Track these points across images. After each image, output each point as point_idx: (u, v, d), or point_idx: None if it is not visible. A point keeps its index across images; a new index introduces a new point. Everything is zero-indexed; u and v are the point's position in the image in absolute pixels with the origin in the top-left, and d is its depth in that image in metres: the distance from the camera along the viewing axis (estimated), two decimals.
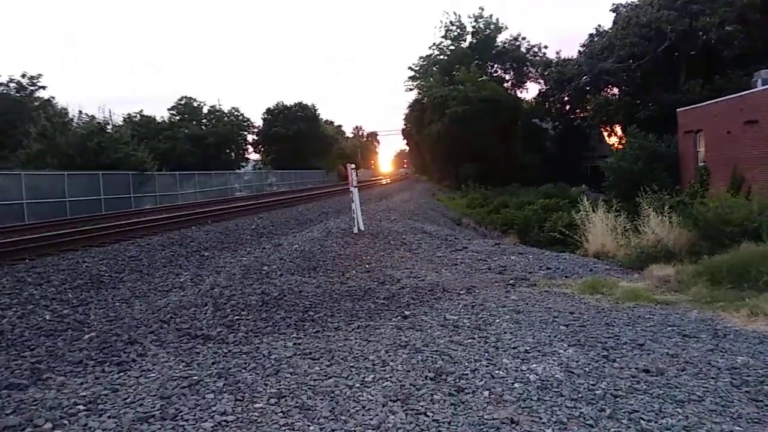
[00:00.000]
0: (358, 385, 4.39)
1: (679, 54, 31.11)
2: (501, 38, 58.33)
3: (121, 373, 4.75)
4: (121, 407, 3.95)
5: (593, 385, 4.31)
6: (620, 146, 32.52)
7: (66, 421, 3.73)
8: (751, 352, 5.05)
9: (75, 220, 20.21)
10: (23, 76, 45.93)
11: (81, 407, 3.96)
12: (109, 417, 3.78)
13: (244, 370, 4.75)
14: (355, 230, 14.91)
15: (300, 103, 70.83)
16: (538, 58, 54.47)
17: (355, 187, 15.67)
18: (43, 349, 5.60)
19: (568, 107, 43.62)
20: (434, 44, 60.85)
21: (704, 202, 13.03)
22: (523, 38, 58.18)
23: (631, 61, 31.78)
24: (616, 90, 37.45)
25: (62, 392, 4.31)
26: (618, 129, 37.45)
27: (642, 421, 3.67)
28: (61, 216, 23.20)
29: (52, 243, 12.28)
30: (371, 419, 3.73)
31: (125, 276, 9.67)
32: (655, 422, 3.67)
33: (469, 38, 58.88)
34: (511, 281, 8.97)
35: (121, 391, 4.28)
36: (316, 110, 72.86)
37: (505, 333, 5.80)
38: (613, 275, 9.77)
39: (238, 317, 6.78)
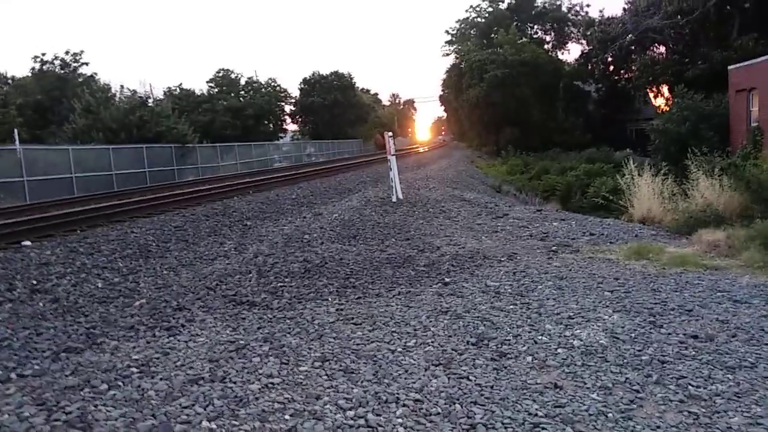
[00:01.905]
0: (400, 349, 4.44)
1: (731, 7, 29.40)
2: None
3: (171, 338, 4.92)
4: (172, 370, 4.10)
5: (639, 350, 4.24)
6: (667, 108, 31.25)
7: (120, 383, 3.89)
8: None
9: (121, 193, 20.81)
10: (66, 53, 46.96)
11: (134, 369, 4.13)
12: (161, 379, 3.92)
13: (288, 335, 4.85)
14: (394, 199, 14.89)
15: (336, 72, 70.45)
16: (579, 17, 52.42)
17: (393, 155, 15.60)
18: (96, 315, 5.83)
19: (611, 68, 41.94)
20: (471, 6, 59.52)
21: (757, 163, 12.46)
22: None
23: (679, 17, 30.20)
24: (662, 49, 35.78)
25: (116, 355, 4.49)
26: (665, 90, 35.94)
27: (690, 387, 3.61)
28: (108, 189, 23.92)
29: (101, 214, 12.68)
30: (414, 383, 3.77)
31: (172, 245, 9.93)
32: (704, 388, 3.59)
33: None
34: (553, 248, 8.84)
35: (172, 355, 4.44)
36: (352, 79, 72.43)
37: (548, 299, 5.74)
38: (660, 241, 9.51)
39: (281, 284, 6.91)
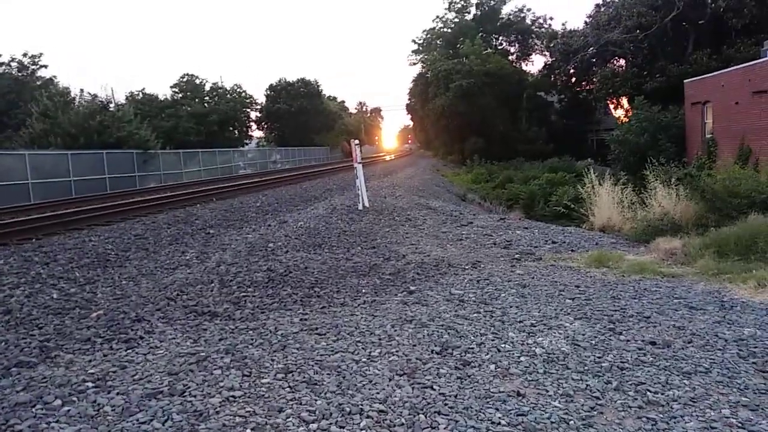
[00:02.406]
0: (364, 359, 4.41)
1: (687, 24, 30.51)
2: (506, 10, 57.67)
3: (129, 350, 4.78)
4: (130, 384, 3.98)
5: (599, 357, 4.32)
6: (626, 119, 32.17)
7: (75, 398, 3.75)
8: (758, 324, 5.05)
9: (80, 200, 20.24)
10: (24, 55, 45.72)
11: (90, 384, 3.99)
12: (117, 393, 3.80)
13: (251, 346, 4.76)
14: (360, 207, 14.88)
15: (302, 79, 70.26)
16: (543, 29, 53.65)
17: (359, 163, 15.60)
18: (51, 328, 5.63)
19: (573, 80, 42.99)
20: (438, 17, 60.26)
21: (711, 174, 12.91)
22: (528, 9, 57.72)
23: (638, 31, 31.17)
24: (622, 61, 36.85)
25: (71, 369, 4.34)
26: (624, 101, 36.98)
27: (648, 393, 3.68)
28: (66, 195, 23.24)
29: (58, 222, 12.30)
30: (378, 393, 3.75)
31: (131, 254, 9.69)
32: (662, 394, 3.67)
33: (473, 10, 58.16)
34: (516, 256, 8.97)
35: (129, 368, 4.31)
36: (318, 86, 72.35)
37: (511, 307, 5.80)
38: (619, 249, 9.74)
39: (244, 294, 6.80)
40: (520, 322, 5.26)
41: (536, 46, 55.25)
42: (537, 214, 22.39)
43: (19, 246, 9.98)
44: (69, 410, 3.57)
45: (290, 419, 3.40)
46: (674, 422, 3.30)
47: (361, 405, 3.57)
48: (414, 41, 63.09)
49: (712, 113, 21.93)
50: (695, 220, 11.22)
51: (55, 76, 47.67)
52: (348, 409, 3.51)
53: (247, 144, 66.82)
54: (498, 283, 6.94)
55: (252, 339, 4.98)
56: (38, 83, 44.70)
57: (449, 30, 58.19)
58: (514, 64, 54.00)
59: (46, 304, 6.61)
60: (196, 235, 11.52)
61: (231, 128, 63.45)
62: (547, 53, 46.56)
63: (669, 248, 8.62)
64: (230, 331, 5.28)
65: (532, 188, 26.97)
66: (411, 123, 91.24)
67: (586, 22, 38.44)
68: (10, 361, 4.60)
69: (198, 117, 56.33)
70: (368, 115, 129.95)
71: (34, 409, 3.59)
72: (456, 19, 58.34)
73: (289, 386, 3.90)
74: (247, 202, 17.04)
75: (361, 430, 3.28)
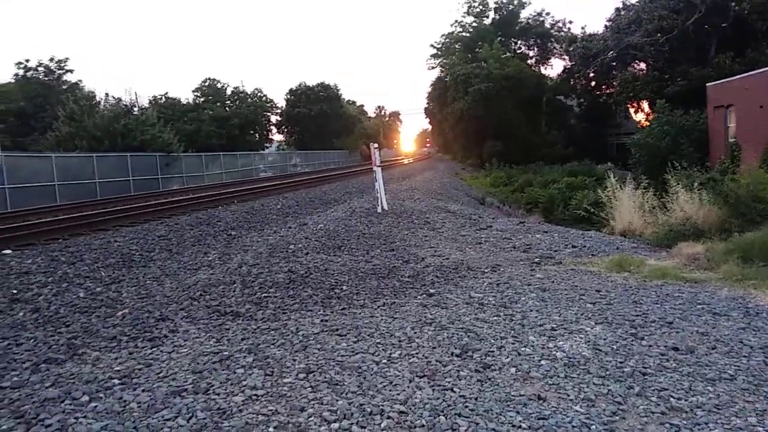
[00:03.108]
0: (384, 361, 4.44)
1: (710, 26, 30.06)
2: (524, 14, 57.32)
3: (154, 349, 4.87)
4: (155, 381, 4.06)
5: (621, 362, 4.29)
6: (647, 123, 31.82)
7: (102, 394, 3.85)
8: None
9: (105, 201, 20.61)
10: (51, 60, 46.64)
11: (116, 381, 4.08)
12: (143, 390, 3.88)
13: (272, 346, 4.83)
14: (379, 209, 14.93)
15: (322, 84, 70.66)
16: (562, 33, 53.38)
17: (378, 166, 15.66)
18: (78, 326, 5.76)
19: (593, 84, 42.63)
20: (456, 21, 60.14)
21: (735, 178, 12.71)
22: (547, 13, 57.51)
23: (659, 35, 30.81)
24: (643, 65, 36.45)
25: (98, 367, 4.44)
26: (645, 105, 36.58)
27: (671, 399, 3.65)
28: (91, 197, 23.67)
29: (84, 223, 12.55)
30: (398, 394, 3.78)
31: (155, 255, 9.85)
32: (685, 400, 3.64)
33: (491, 14, 57.96)
34: (536, 259, 8.92)
35: (155, 366, 4.40)
36: (338, 90, 72.68)
37: (531, 311, 5.78)
38: (641, 253, 9.63)
39: (266, 294, 6.88)
40: (540, 325, 5.24)
41: (555, 50, 54.98)
42: (556, 218, 22.25)
43: (46, 246, 10.20)
44: (96, 406, 3.66)
45: (312, 418, 3.44)
46: (698, 429, 3.27)
47: (382, 406, 3.60)
48: (433, 45, 63.17)
49: (735, 117, 21.58)
50: (718, 225, 11.06)
51: (80, 81, 48.60)
52: (369, 410, 3.55)
53: (267, 147, 67.40)
54: (518, 286, 6.92)
55: (274, 339, 5.05)
56: (64, 87, 45.62)
57: (468, 34, 58.11)
58: (533, 68, 53.72)
59: (73, 303, 6.76)
60: (218, 237, 11.66)
61: (252, 132, 64.05)
62: (566, 57, 46.36)
63: (692, 253, 8.51)
64: (252, 331, 5.35)
65: (551, 192, 26.80)
66: (429, 127, 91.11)
67: (606, 26, 38.13)
68: (39, 357, 4.73)
69: (219, 121, 56.99)
70: (387, 118, 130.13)
71: (62, 405, 3.69)
72: (474, 24, 58.26)
73: (311, 386, 3.94)
74: (268, 204, 17.19)
75: (382, 430, 3.31)
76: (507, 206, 28.83)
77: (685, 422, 3.35)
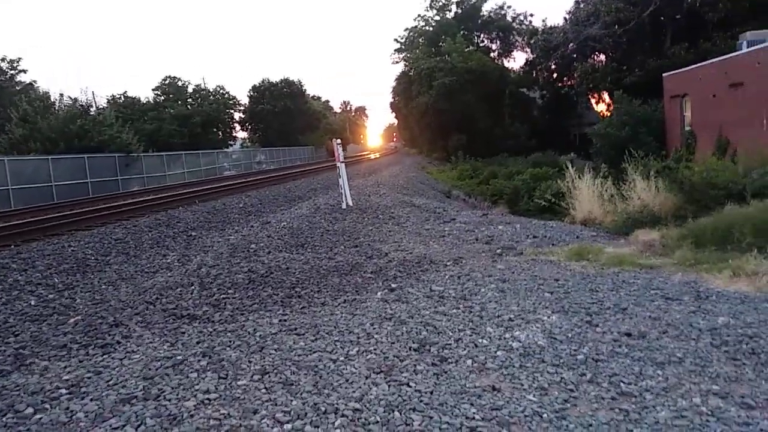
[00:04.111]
0: (342, 358, 4.40)
1: (665, 18, 30.77)
2: (486, 7, 57.67)
3: (105, 356, 4.74)
4: (104, 389, 3.94)
5: (575, 350, 4.35)
6: (608, 113, 32.46)
7: (48, 405, 3.72)
8: (732, 313, 5.11)
9: (61, 205, 19.98)
10: (2, 59, 44.94)
11: (63, 391, 3.95)
12: (91, 399, 3.77)
13: (228, 348, 4.74)
14: (344, 206, 14.87)
15: (286, 80, 69.92)
16: (524, 26, 53.91)
17: (342, 162, 15.58)
18: (27, 335, 5.57)
19: (555, 75, 43.18)
20: (419, 15, 60.16)
21: (689, 166, 13.06)
22: (509, 7, 57.78)
23: (616, 27, 31.39)
24: (602, 57, 37.14)
25: (45, 377, 4.30)
26: (605, 96, 37.29)
27: (622, 384, 3.72)
28: (47, 201, 22.95)
29: (38, 228, 12.14)
30: (354, 392, 3.75)
31: (112, 259, 9.61)
32: (635, 384, 3.71)
33: (454, 8, 58.13)
34: (498, 251, 8.99)
35: (105, 374, 4.27)
36: (302, 86, 72.06)
37: (490, 302, 5.82)
38: (600, 241, 9.81)
39: (224, 296, 6.77)
40: (498, 317, 5.28)
41: (517, 43, 55.47)
42: (521, 209, 22.48)
43: None
44: (41, 418, 3.54)
45: (265, 420, 3.39)
46: (646, 412, 3.33)
47: (337, 404, 3.56)
48: (396, 40, 63.08)
49: (690, 106, 22.17)
50: (674, 212, 11.34)
51: (34, 81, 46.91)
52: (323, 409, 3.51)
53: (231, 145, 66.34)
54: (478, 278, 6.96)
55: (230, 341, 4.96)
56: (17, 88, 44.04)
57: (431, 28, 58.21)
58: (495, 61, 54.12)
59: (23, 311, 6.55)
60: (178, 238, 11.44)
61: (215, 130, 62.90)
62: (528, 50, 46.81)
63: (647, 240, 8.71)
64: (208, 333, 5.25)
65: (515, 183, 27.05)
66: (396, 121, 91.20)
67: (565, 18, 38.65)
68: None
69: (181, 119, 55.81)
70: (353, 114, 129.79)
71: (4, 419, 3.55)
72: (437, 17, 58.40)
73: (266, 387, 3.88)
74: (231, 203, 16.94)
75: (336, 429, 3.28)
76: (473, 199, 29.06)
77: (633, 406, 3.41)
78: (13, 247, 10.44)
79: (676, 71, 23.62)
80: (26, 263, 9.06)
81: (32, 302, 6.97)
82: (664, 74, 24.68)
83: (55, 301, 7.02)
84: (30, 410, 3.65)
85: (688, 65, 23.19)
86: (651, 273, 7.02)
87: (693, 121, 21.77)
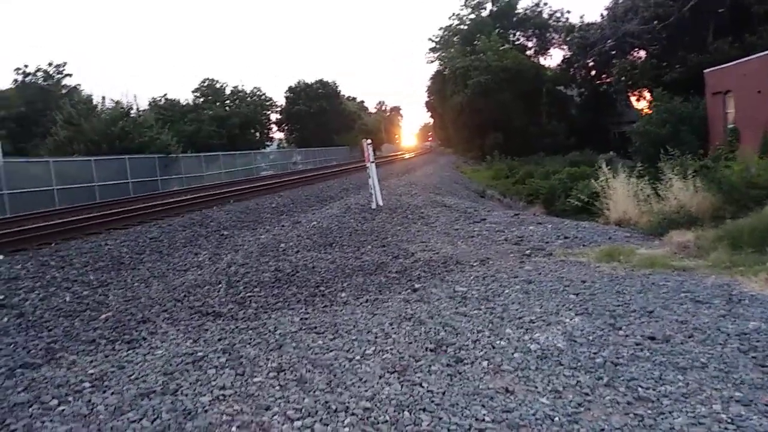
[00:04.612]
0: (358, 357, 4.42)
1: (706, 12, 29.78)
2: (522, 5, 57.05)
3: (130, 351, 4.88)
4: (125, 383, 4.06)
5: (595, 353, 4.26)
6: (648, 111, 31.63)
7: (71, 398, 3.85)
8: (764, 317, 4.90)
9: (102, 204, 20.65)
10: (49, 64, 46.85)
11: (87, 384, 4.09)
12: (112, 393, 3.89)
13: (248, 346, 4.82)
14: (374, 206, 14.90)
15: (321, 80, 70.71)
16: (560, 23, 53.08)
17: (372, 162, 15.62)
18: (60, 330, 5.77)
19: (593, 73, 42.40)
20: (454, 14, 60.07)
21: (729, 165, 12.60)
22: (545, 3, 56.73)
23: (655, 22, 30.59)
24: (642, 53, 36.23)
25: (71, 370, 4.45)
26: (646, 93, 36.35)
27: (640, 389, 3.62)
28: (90, 200, 23.74)
29: (77, 227, 12.58)
30: (366, 391, 3.76)
31: (146, 257, 9.86)
32: (653, 389, 3.61)
33: (489, 6, 57.71)
34: (527, 251, 8.86)
35: (127, 368, 4.40)
36: (337, 87, 72.73)
37: (513, 303, 5.75)
38: (633, 242, 9.56)
39: (250, 294, 6.88)
40: (519, 318, 5.21)
41: (554, 40, 54.68)
42: (557, 209, 22.12)
43: (37, 251, 10.23)
44: (63, 410, 3.67)
45: (276, 417, 3.44)
46: (662, 418, 3.24)
47: (348, 403, 3.59)
48: (431, 39, 62.96)
49: (733, 103, 21.42)
50: (712, 212, 10.97)
51: (78, 84, 48.69)
52: (334, 407, 3.53)
53: (268, 146, 67.40)
54: (503, 279, 6.88)
55: (251, 338, 5.04)
56: (63, 92, 45.74)
57: (465, 27, 57.89)
58: (532, 59, 53.46)
59: (58, 307, 6.78)
60: (211, 237, 11.67)
61: (252, 131, 64.10)
62: (565, 47, 46.09)
63: (682, 241, 8.45)
64: (230, 331, 5.35)
65: (552, 183, 26.64)
66: (431, 120, 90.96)
67: (602, 15, 37.89)
68: (15, 362, 4.74)
69: (219, 120, 57.04)
70: (388, 113, 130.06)
71: (30, 409, 3.70)
72: (472, 16, 58.07)
73: (280, 385, 3.94)
74: (264, 203, 17.19)
75: (345, 427, 3.30)
76: (508, 198, 28.75)
77: (649, 411, 3.32)
78: (54, 244, 10.84)
79: (719, 67, 22.85)
80: (64, 260, 9.39)
81: (67, 298, 7.21)
82: (705, 70, 23.91)
83: (89, 297, 7.24)
84: (54, 402, 3.80)
85: (731, 60, 22.40)
86: (683, 275, 6.80)
87: (736, 119, 21.02)
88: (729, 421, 3.16)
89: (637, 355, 4.18)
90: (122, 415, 3.54)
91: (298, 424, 3.34)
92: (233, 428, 3.33)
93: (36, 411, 3.68)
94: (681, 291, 5.98)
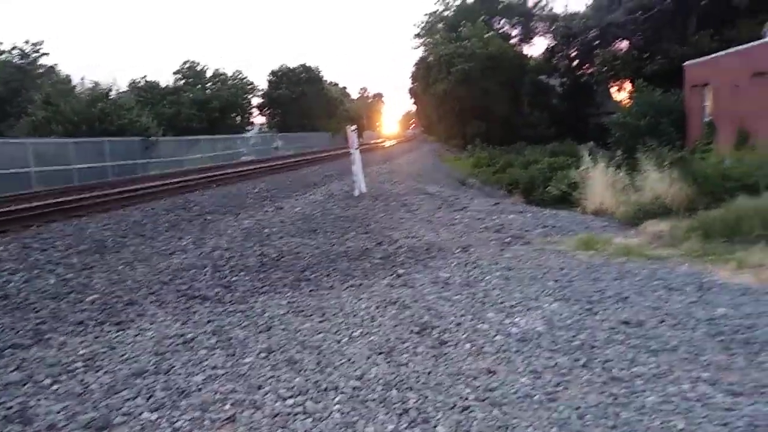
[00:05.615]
0: (345, 339, 4.56)
1: (689, 4, 30.21)
2: None
3: (120, 332, 4.95)
4: (117, 363, 4.15)
5: (572, 336, 4.45)
6: (629, 102, 32.05)
7: (64, 377, 3.93)
8: (732, 304, 5.15)
9: (82, 187, 20.40)
10: (26, 42, 45.62)
11: (79, 364, 4.16)
12: (105, 372, 3.98)
13: (237, 328, 4.93)
14: (356, 193, 14.99)
15: (304, 65, 70.12)
16: (545, 12, 53.25)
17: (356, 149, 15.67)
18: (46, 312, 5.80)
19: (575, 63, 42.75)
20: (439, 0, 59.72)
21: (704, 157, 12.95)
22: None
23: (639, 13, 30.94)
24: (625, 44, 36.61)
25: (62, 351, 4.52)
26: (627, 84, 36.80)
27: (614, 370, 3.82)
28: (68, 183, 23.41)
29: (58, 209, 12.47)
30: (354, 371, 3.91)
31: (129, 240, 9.85)
32: (627, 370, 3.81)
33: None
34: (507, 239, 9.07)
35: (118, 349, 4.48)
36: (319, 72, 72.19)
37: (494, 289, 5.93)
38: (609, 232, 9.84)
39: (236, 278, 6.96)
40: (500, 303, 5.39)
41: (538, 29, 54.86)
42: (537, 198, 22.41)
43: (19, 233, 10.14)
44: (57, 388, 3.75)
45: (268, 395, 3.56)
46: (635, 396, 3.43)
47: (338, 382, 3.73)
48: (416, 25, 62.78)
49: (711, 96, 21.86)
50: (687, 203, 11.30)
51: (56, 64, 47.61)
52: (324, 386, 3.67)
53: (249, 130, 66.80)
54: (484, 266, 7.06)
55: (239, 321, 5.15)
56: (40, 71, 44.76)
57: (451, 13, 57.80)
58: (515, 48, 53.62)
59: (43, 289, 6.78)
60: (194, 222, 11.66)
61: (233, 114, 63.37)
62: (549, 36, 46.32)
63: (656, 231, 8.73)
64: (219, 313, 5.44)
65: (532, 172, 26.93)
66: (414, 108, 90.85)
67: (587, 4, 38.18)
68: (4, 343, 4.78)
69: (200, 103, 56.27)
70: (370, 100, 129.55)
71: (24, 388, 3.77)
72: (458, 2, 57.97)
73: (271, 365, 4.06)
74: (246, 188, 17.17)
75: (335, 405, 3.44)
76: (488, 187, 28.98)
77: (623, 391, 3.51)
78: (35, 227, 10.75)
79: (697, 60, 23.29)
80: (46, 243, 9.34)
81: (51, 281, 7.21)
82: (685, 63, 24.33)
83: (74, 279, 7.25)
84: (48, 381, 3.87)
85: (712, 54, 22.80)
86: (657, 264, 7.05)
87: (713, 112, 21.47)
88: (696, 399, 3.37)
89: (612, 339, 4.38)
90: (116, 393, 3.63)
91: (290, 402, 3.47)
92: (226, 406, 3.44)
93: (30, 390, 3.75)
94: (654, 278, 6.22)
